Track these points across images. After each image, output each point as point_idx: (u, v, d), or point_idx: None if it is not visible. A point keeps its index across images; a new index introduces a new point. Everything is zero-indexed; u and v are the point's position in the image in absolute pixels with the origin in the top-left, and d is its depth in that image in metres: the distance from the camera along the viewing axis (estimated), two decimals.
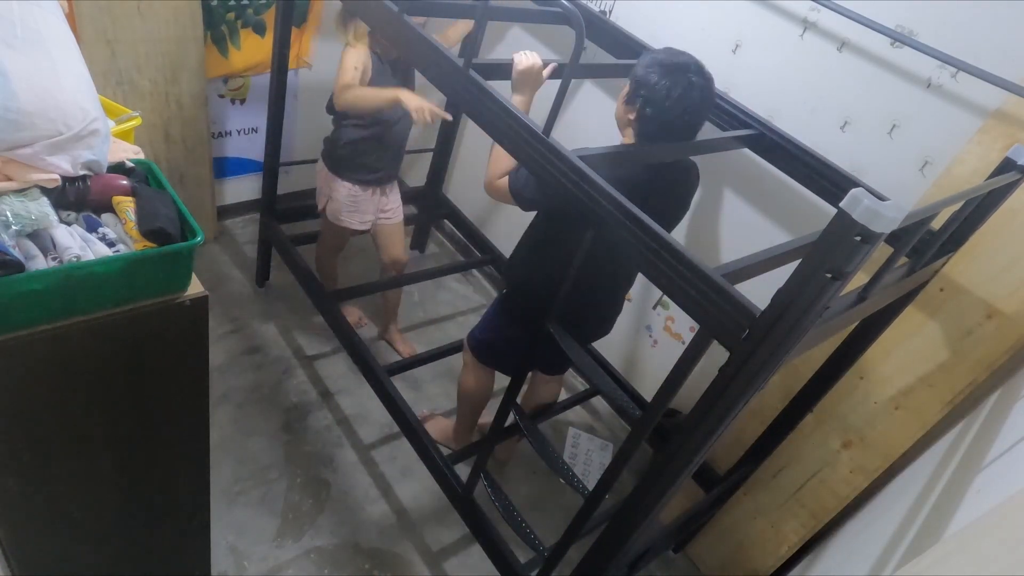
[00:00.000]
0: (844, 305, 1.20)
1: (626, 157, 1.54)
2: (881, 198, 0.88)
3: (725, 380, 1.07)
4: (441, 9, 2.00)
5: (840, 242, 0.88)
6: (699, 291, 1.08)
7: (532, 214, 1.77)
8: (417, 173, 3.25)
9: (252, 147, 2.88)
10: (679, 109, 1.49)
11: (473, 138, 3.12)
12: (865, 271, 1.12)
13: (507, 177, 1.61)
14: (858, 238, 0.87)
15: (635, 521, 1.35)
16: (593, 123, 2.55)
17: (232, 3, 2.42)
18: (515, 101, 1.58)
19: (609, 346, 2.70)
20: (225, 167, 2.88)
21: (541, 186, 1.52)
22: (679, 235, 2.35)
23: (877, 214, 0.84)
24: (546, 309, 1.45)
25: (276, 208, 2.61)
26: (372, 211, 2.40)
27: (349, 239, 2.52)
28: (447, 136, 2.98)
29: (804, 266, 0.93)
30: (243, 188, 3.00)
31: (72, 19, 2.01)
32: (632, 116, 1.56)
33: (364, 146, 2.23)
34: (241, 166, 2.93)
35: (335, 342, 2.52)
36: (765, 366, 1.01)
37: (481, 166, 2.47)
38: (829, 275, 0.90)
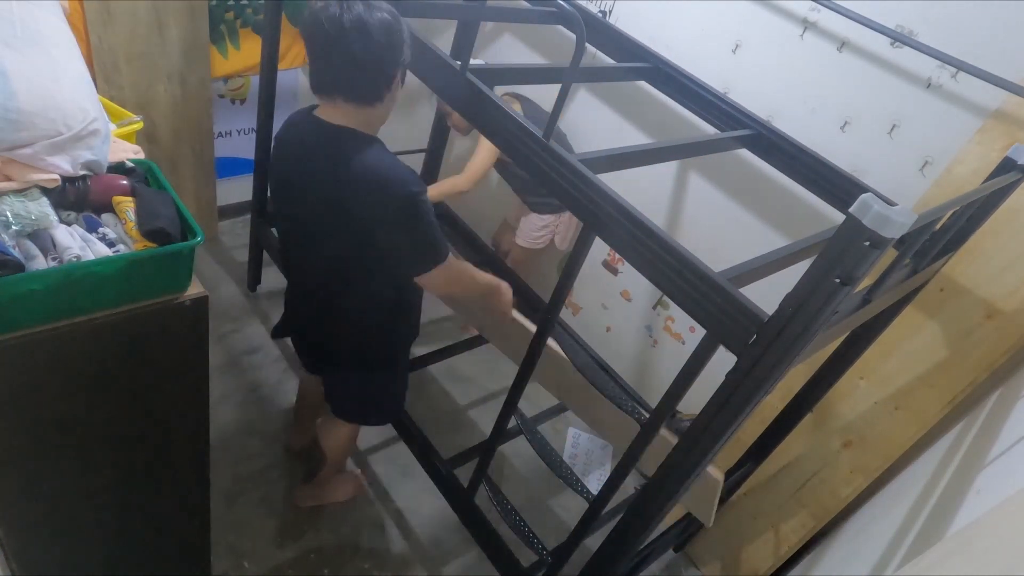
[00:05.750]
0: (850, 308, 1.20)
1: (627, 158, 1.54)
2: (884, 199, 0.87)
3: (732, 385, 1.06)
4: (435, 10, 1.99)
5: (850, 247, 0.88)
6: (704, 295, 1.07)
7: None
8: None
9: (252, 147, 2.87)
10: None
11: (467, 139, 3.11)
12: (870, 273, 1.12)
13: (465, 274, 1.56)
14: (867, 243, 0.87)
15: (639, 527, 1.34)
16: (590, 126, 2.55)
17: (231, 3, 2.42)
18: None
19: (608, 346, 2.70)
20: (225, 167, 2.88)
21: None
22: (679, 236, 2.35)
23: (887, 220, 0.84)
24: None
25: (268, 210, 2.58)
26: (549, 234, 2.53)
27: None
28: (440, 137, 2.96)
29: (813, 271, 0.93)
30: (244, 188, 2.99)
31: (72, 19, 2.01)
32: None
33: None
34: (242, 166, 2.93)
35: None
36: (773, 371, 1.01)
37: None
38: (838, 280, 0.90)
